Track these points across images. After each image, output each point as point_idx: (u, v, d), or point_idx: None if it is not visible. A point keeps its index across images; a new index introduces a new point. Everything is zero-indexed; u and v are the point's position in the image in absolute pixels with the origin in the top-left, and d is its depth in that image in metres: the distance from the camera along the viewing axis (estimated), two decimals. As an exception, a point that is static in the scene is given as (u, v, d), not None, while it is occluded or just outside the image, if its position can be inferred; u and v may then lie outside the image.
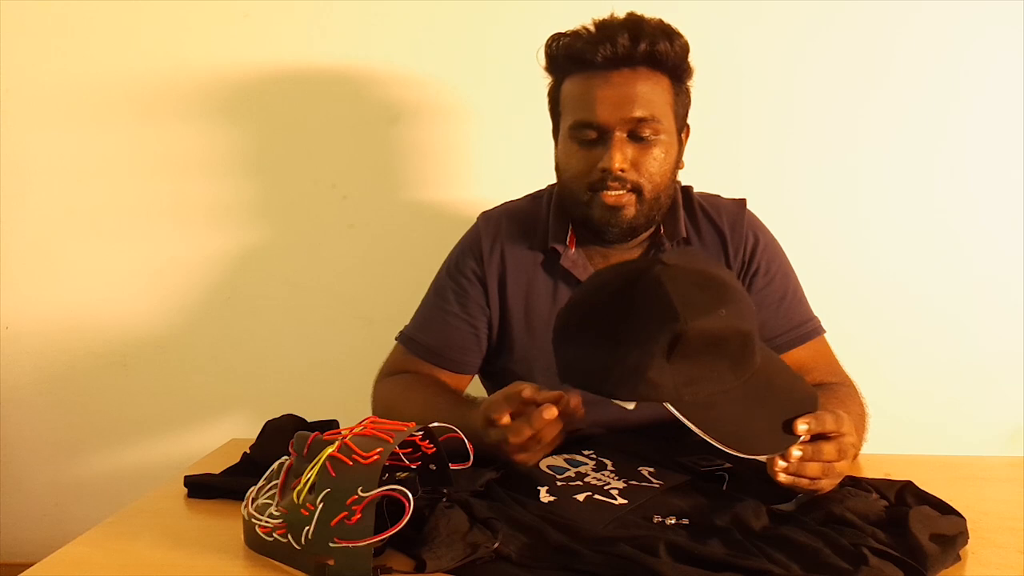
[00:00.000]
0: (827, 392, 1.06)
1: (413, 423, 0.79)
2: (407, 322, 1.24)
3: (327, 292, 1.65)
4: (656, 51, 1.06)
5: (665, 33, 1.07)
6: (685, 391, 0.80)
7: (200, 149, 1.62)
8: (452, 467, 0.86)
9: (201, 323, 1.66)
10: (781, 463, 0.82)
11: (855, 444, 0.88)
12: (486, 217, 1.23)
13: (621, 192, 1.07)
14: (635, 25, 1.06)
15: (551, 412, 0.87)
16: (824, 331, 1.17)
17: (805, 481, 0.83)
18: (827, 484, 0.85)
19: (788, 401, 0.85)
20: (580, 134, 1.08)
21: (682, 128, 1.15)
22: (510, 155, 1.60)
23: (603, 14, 1.12)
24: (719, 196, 1.22)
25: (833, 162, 1.58)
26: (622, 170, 1.06)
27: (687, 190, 1.20)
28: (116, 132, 1.62)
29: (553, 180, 1.25)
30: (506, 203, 1.26)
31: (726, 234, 1.16)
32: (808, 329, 1.15)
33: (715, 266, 0.90)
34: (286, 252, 1.64)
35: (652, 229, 1.16)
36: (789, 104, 1.56)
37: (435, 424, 0.84)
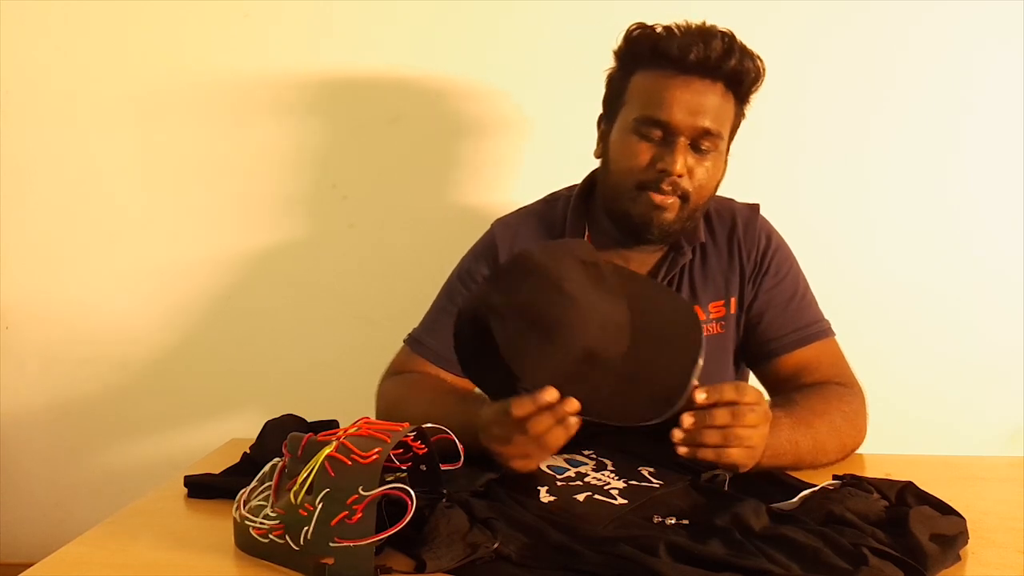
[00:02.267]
0: (816, 390, 1.07)
1: (407, 423, 0.79)
2: (408, 322, 1.23)
3: (327, 292, 1.65)
4: (741, 70, 1.07)
5: (750, 56, 1.08)
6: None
7: (200, 149, 1.62)
8: (443, 467, 0.86)
9: (201, 323, 1.66)
10: (678, 433, 0.86)
11: (760, 413, 0.89)
12: (503, 224, 1.23)
13: (669, 196, 1.08)
14: (728, 39, 1.07)
15: (552, 395, 0.85)
16: (833, 334, 1.17)
17: (709, 452, 0.87)
18: (737, 454, 0.88)
19: (664, 373, 0.87)
20: (645, 129, 1.08)
21: (728, 150, 1.16)
22: (511, 155, 1.60)
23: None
24: (733, 200, 1.23)
25: (839, 164, 1.58)
26: (680, 176, 1.07)
27: None
28: (116, 132, 1.62)
29: (565, 184, 1.25)
30: (521, 209, 1.26)
31: (739, 237, 1.17)
32: (815, 330, 1.15)
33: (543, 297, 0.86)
34: (286, 252, 1.64)
35: None
36: (796, 107, 1.56)
37: (428, 425, 0.84)
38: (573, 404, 0.86)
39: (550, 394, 0.84)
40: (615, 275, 0.92)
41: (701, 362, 0.87)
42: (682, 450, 0.87)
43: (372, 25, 1.58)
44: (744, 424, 0.87)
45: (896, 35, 1.54)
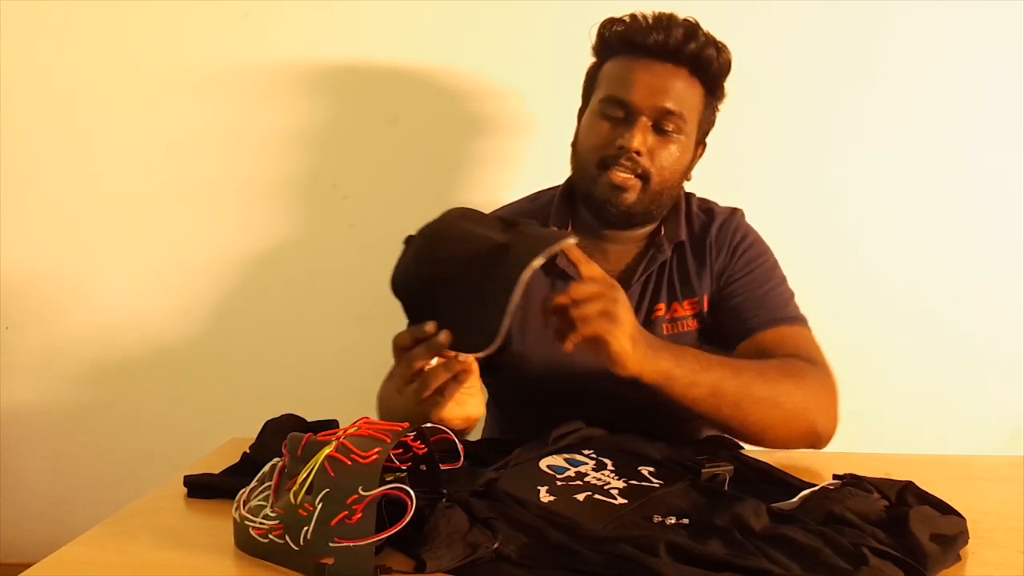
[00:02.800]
0: (771, 358, 1.04)
1: (407, 423, 0.79)
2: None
3: (327, 292, 1.65)
4: (703, 55, 1.10)
5: (715, 44, 1.11)
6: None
7: (200, 149, 1.62)
8: (443, 467, 0.86)
9: (201, 323, 1.66)
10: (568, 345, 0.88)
11: (602, 286, 0.90)
12: None
13: (629, 175, 1.09)
14: (690, 26, 1.10)
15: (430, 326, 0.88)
16: (808, 327, 1.14)
17: (571, 339, 0.88)
18: (599, 327, 0.88)
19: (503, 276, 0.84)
20: (608, 109, 1.11)
21: (700, 141, 1.18)
22: (512, 155, 1.60)
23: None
24: (715, 203, 1.24)
25: (840, 163, 1.58)
26: (638, 152, 1.08)
27: (688, 196, 1.22)
28: (116, 133, 1.62)
29: (556, 182, 1.25)
30: (504, 207, 1.27)
31: (713, 235, 1.18)
32: (783, 315, 1.13)
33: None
34: (286, 252, 1.64)
35: (652, 228, 1.18)
36: (783, 107, 1.56)
37: (427, 425, 0.84)
38: (446, 334, 0.86)
39: (430, 326, 0.87)
40: (529, 226, 0.93)
41: (536, 263, 0.83)
42: (567, 346, 0.89)
43: (372, 25, 1.58)
44: (584, 296, 0.88)
45: (888, 34, 1.54)
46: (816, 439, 1.03)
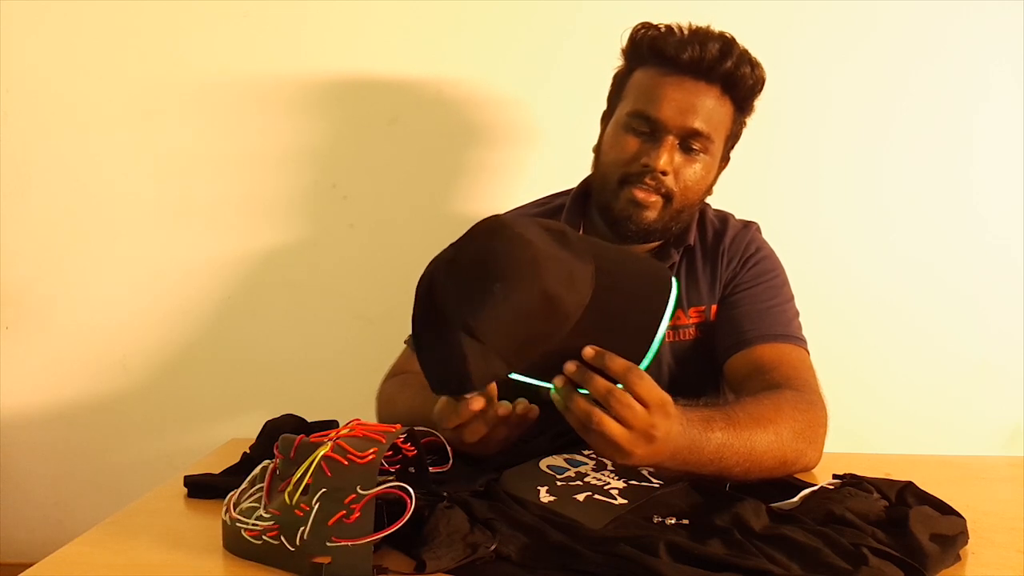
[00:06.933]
0: (770, 396, 0.95)
1: (399, 425, 0.79)
2: (407, 323, 1.23)
3: (327, 292, 1.65)
4: (737, 73, 1.07)
5: (750, 61, 1.09)
6: (515, 362, 0.79)
7: (200, 149, 1.62)
8: (432, 470, 0.86)
9: (201, 323, 1.66)
10: (559, 380, 0.78)
11: (641, 419, 0.77)
12: None
13: (651, 194, 1.08)
14: (727, 42, 1.07)
15: (477, 404, 0.84)
16: (807, 350, 1.11)
17: (573, 420, 0.78)
18: (597, 442, 0.78)
19: (630, 329, 0.80)
20: (635, 123, 1.09)
21: (725, 157, 1.16)
22: (512, 155, 1.60)
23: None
24: (732, 215, 1.23)
25: (845, 159, 1.58)
26: (663, 172, 1.07)
27: (704, 206, 1.21)
28: (116, 132, 1.62)
29: (561, 188, 1.25)
30: (513, 210, 1.26)
31: (726, 245, 1.17)
32: (782, 332, 1.10)
33: (497, 240, 0.81)
34: (286, 252, 1.64)
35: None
36: (778, 112, 1.56)
37: (419, 428, 0.84)
38: (504, 407, 0.85)
39: (476, 403, 0.84)
40: (582, 241, 0.86)
41: (666, 324, 0.80)
42: (555, 396, 0.79)
43: (372, 25, 1.58)
44: (616, 414, 0.76)
45: (885, 40, 1.55)
46: (803, 470, 0.98)
